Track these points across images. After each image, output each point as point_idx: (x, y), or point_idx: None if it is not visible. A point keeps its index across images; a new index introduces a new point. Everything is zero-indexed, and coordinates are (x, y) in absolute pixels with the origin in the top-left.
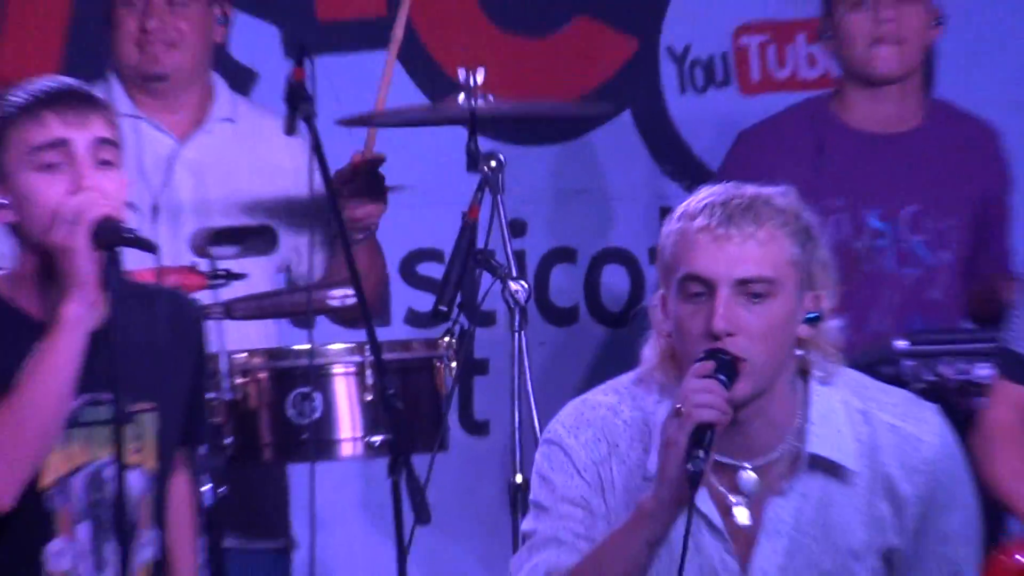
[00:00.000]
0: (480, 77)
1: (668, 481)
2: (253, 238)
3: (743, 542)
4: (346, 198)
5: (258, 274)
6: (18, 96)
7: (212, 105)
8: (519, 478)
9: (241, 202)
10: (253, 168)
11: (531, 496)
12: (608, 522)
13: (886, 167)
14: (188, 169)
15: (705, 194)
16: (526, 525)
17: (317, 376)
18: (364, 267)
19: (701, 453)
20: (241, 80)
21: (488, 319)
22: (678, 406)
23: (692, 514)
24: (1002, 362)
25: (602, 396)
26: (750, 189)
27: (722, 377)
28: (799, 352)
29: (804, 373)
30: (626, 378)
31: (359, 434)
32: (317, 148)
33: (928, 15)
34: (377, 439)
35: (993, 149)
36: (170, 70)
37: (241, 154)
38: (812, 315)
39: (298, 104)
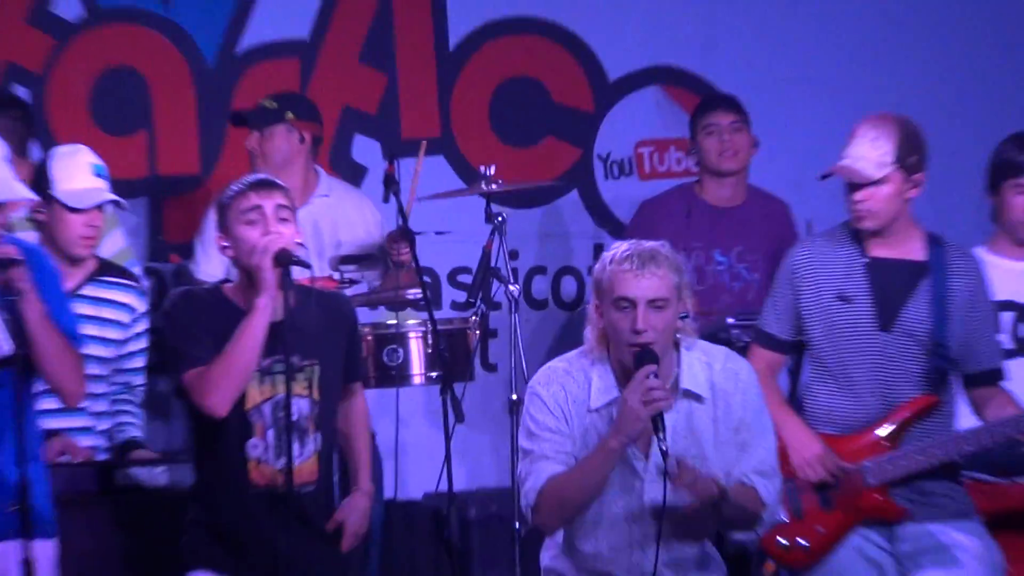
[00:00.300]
0: (492, 170)
1: (627, 434)
2: (362, 260)
3: (644, 442)
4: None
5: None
6: (235, 186)
7: (317, 186)
8: (514, 396)
9: (337, 243)
10: (341, 223)
11: (523, 426)
12: (572, 438)
13: (724, 225)
14: (303, 224)
15: (624, 247)
16: (523, 444)
17: (400, 338)
18: (406, 280)
19: (663, 435)
20: (357, 171)
21: (496, 306)
22: (644, 398)
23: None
24: (754, 334)
25: (559, 363)
26: (648, 244)
27: (653, 367)
28: (677, 335)
29: (677, 345)
30: (574, 352)
31: (424, 371)
32: (402, 211)
33: (750, 140)
34: (434, 374)
35: (783, 214)
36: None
37: (333, 214)
38: (683, 315)
39: (390, 186)
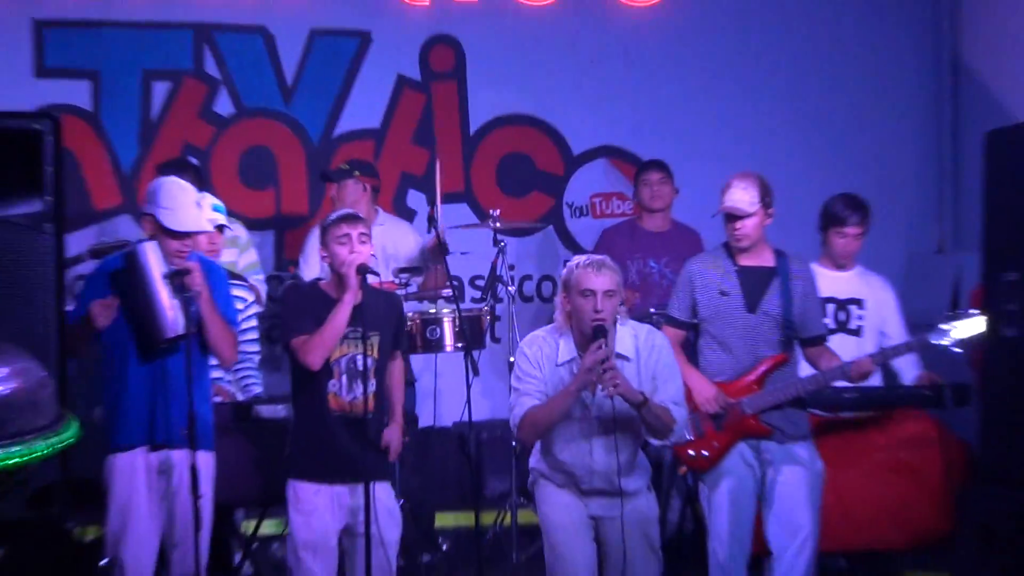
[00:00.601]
0: (497, 213)
1: (583, 382)
2: (412, 271)
3: (592, 387)
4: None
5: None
6: (332, 216)
7: (376, 219)
8: (511, 359)
9: (393, 257)
10: (394, 244)
11: (513, 373)
12: (545, 382)
13: (656, 244)
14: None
15: (584, 258)
16: (513, 384)
17: (437, 320)
18: (441, 283)
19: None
20: (410, 214)
21: (500, 300)
22: (593, 363)
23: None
24: (665, 318)
25: (539, 332)
26: (597, 256)
27: (602, 339)
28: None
29: (615, 322)
30: (548, 326)
31: (453, 342)
32: (439, 239)
33: (672, 189)
34: (460, 344)
35: (694, 237)
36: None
37: (386, 239)
38: (620, 303)
39: (431, 222)
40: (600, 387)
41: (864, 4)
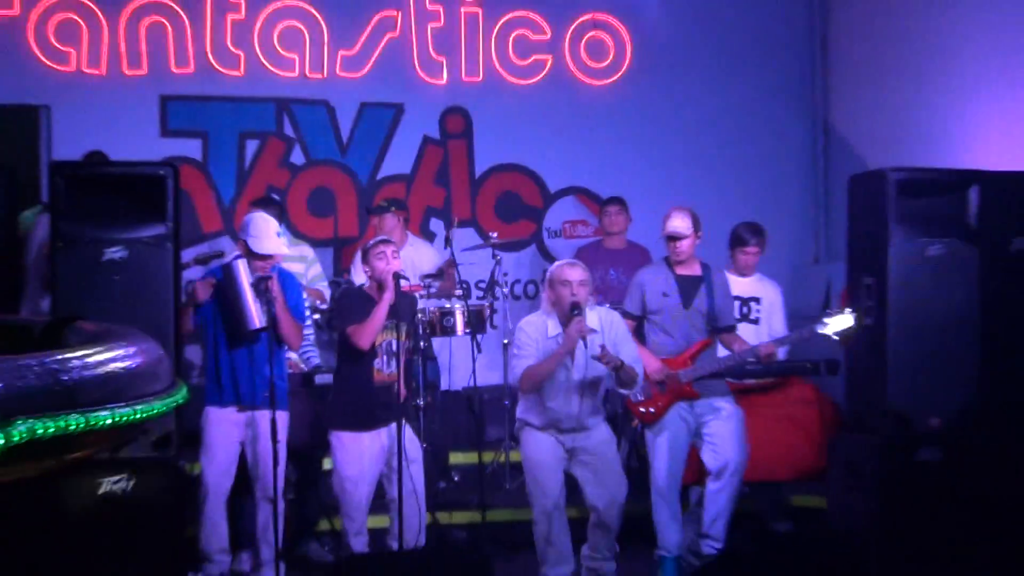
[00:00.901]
0: (495, 235)
1: (567, 348)
2: (433, 277)
3: (574, 353)
4: (451, 269)
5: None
6: (371, 242)
7: (406, 241)
8: (505, 341)
9: (420, 267)
10: (419, 260)
11: (514, 344)
12: (538, 350)
13: (615, 258)
14: (404, 260)
15: (563, 261)
16: (514, 351)
17: (451, 312)
18: (453, 285)
19: (586, 340)
20: (432, 236)
21: (497, 298)
22: (576, 329)
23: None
24: (621, 312)
25: (532, 316)
26: (571, 260)
27: (578, 313)
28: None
29: (586, 304)
30: (538, 311)
31: (463, 329)
32: (452, 254)
33: (627, 218)
34: (468, 330)
35: (644, 254)
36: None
37: (414, 255)
38: (589, 294)
39: (448, 243)
40: (584, 349)
41: (760, 82)
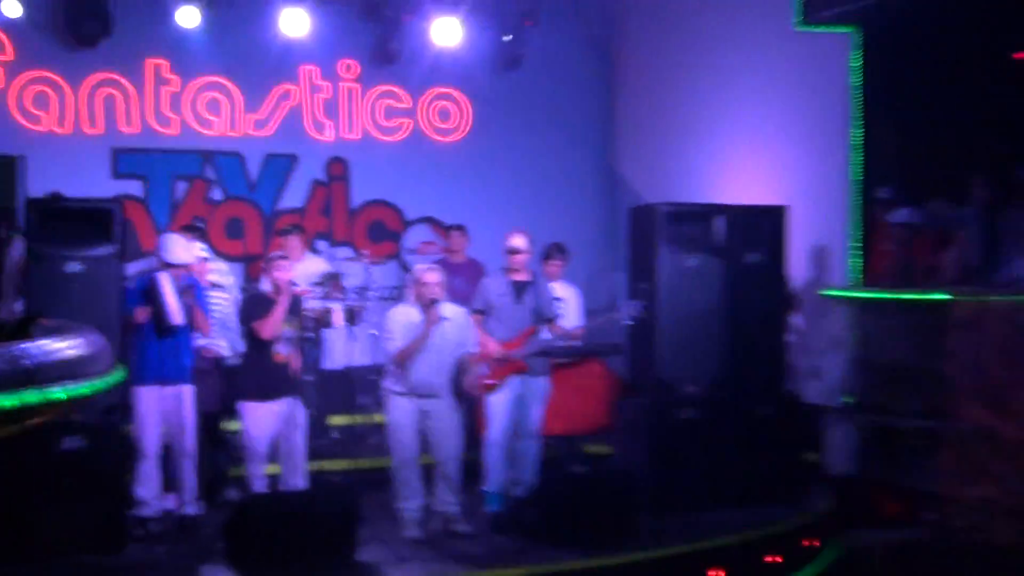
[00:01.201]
0: (367, 251)
1: (427, 331)
2: (321, 283)
3: (431, 335)
4: None
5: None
6: (271, 255)
7: (303, 256)
8: (373, 331)
9: (312, 276)
10: (311, 269)
11: (386, 329)
12: (406, 334)
13: (459, 271)
14: None
15: (426, 267)
16: (387, 336)
17: (331, 311)
18: (337, 289)
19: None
20: (318, 252)
21: (367, 300)
22: (431, 319)
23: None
24: (471, 309)
25: (399, 307)
26: (436, 266)
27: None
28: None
29: (442, 299)
30: (403, 303)
31: (342, 321)
32: (336, 268)
33: (467, 239)
34: (346, 322)
35: (481, 267)
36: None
37: (307, 266)
38: (444, 291)
39: (326, 258)
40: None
41: (564, 137)
